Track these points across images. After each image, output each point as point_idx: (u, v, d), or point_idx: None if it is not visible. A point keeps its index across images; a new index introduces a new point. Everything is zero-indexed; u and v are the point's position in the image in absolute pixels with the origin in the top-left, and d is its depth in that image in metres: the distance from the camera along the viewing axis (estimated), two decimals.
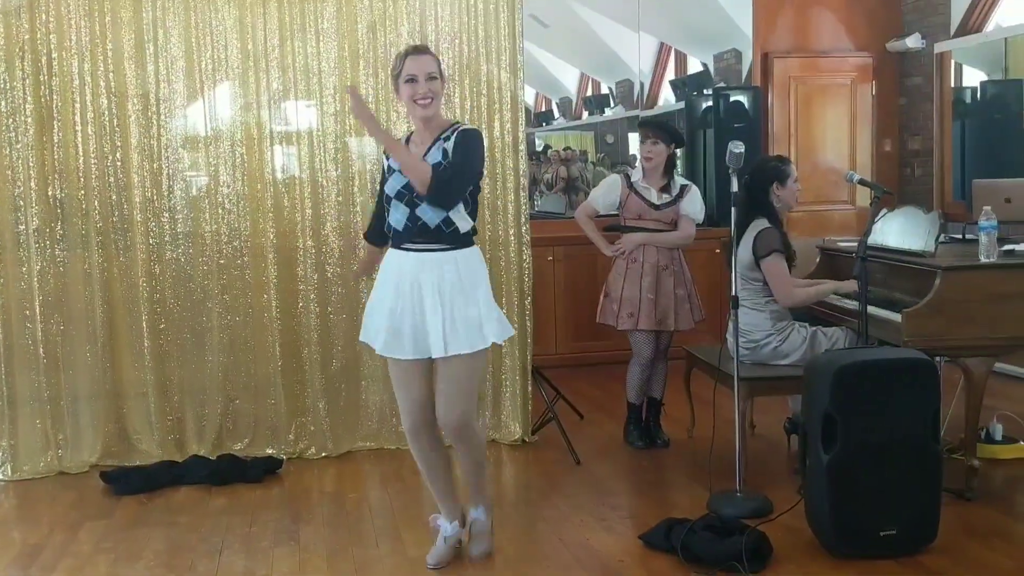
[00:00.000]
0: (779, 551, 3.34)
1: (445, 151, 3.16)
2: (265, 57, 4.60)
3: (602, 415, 5.32)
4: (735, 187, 3.80)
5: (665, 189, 4.62)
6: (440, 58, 4.60)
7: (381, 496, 4.18)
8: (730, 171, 3.79)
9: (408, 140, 3.30)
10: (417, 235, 3.16)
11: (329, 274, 4.74)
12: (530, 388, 4.85)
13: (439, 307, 3.14)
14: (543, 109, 11.84)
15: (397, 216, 3.19)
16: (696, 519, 3.45)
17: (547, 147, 9.59)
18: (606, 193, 4.74)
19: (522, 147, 4.82)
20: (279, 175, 4.72)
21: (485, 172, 3.63)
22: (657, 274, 4.56)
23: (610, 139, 9.89)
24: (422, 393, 3.27)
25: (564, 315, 6.44)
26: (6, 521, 4.00)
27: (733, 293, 3.86)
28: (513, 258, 4.81)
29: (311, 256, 4.70)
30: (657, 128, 4.68)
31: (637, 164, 4.78)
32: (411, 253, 3.19)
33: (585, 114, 10.54)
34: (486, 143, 4.73)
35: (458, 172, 3.15)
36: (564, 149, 9.13)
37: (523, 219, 4.82)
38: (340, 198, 4.75)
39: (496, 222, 4.81)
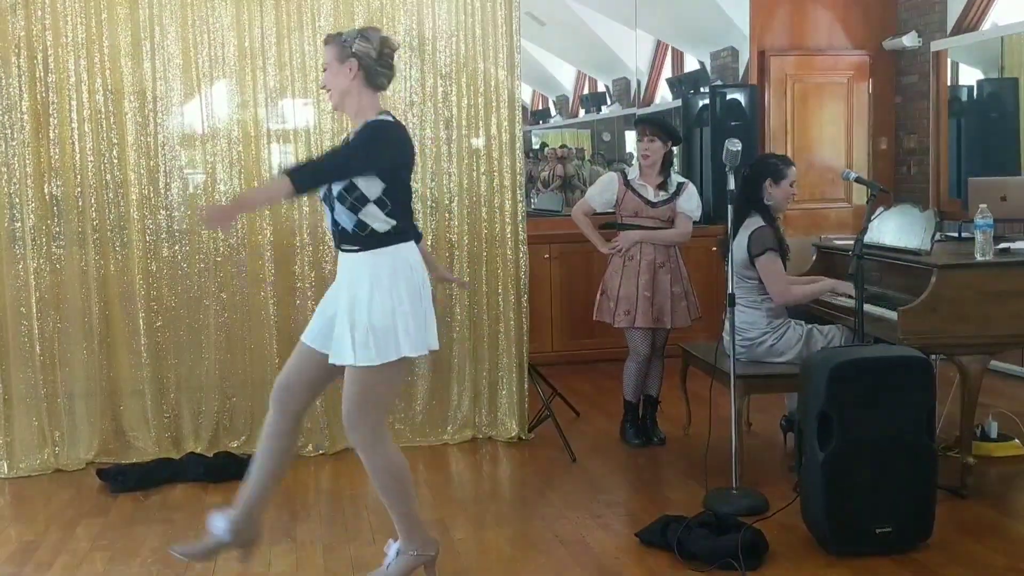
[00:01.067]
0: (775, 548, 3.35)
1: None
2: (262, 54, 4.59)
3: (598, 412, 5.32)
4: (732, 185, 3.81)
5: (662, 186, 4.63)
6: (436, 59, 4.67)
7: (377, 493, 4.17)
8: (727, 169, 3.80)
9: (346, 140, 3.13)
10: (340, 238, 3.03)
11: (326, 271, 4.73)
12: (526, 385, 4.85)
13: (346, 312, 2.97)
14: (540, 107, 11.84)
15: (327, 219, 3.08)
16: (692, 516, 3.46)
17: (543, 145, 9.60)
18: (602, 191, 4.74)
19: (519, 145, 4.83)
20: (276, 173, 4.72)
21: (413, 170, 3.26)
22: (654, 272, 4.56)
23: (607, 137, 9.90)
24: (295, 377, 3.13)
25: (560, 313, 6.45)
26: (2, 518, 4.00)
27: (729, 291, 3.87)
28: (510, 256, 4.81)
29: (308, 253, 4.70)
30: (654, 125, 4.68)
31: (634, 162, 4.82)
32: (342, 254, 3.07)
33: (582, 112, 10.55)
34: (482, 142, 4.77)
35: (331, 156, 3.10)
36: (560, 147, 9.13)
37: (520, 217, 4.82)
38: None
39: (493, 220, 4.82)
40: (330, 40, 3.07)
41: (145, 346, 4.58)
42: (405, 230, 3.04)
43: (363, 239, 2.98)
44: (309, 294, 4.70)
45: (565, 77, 11.13)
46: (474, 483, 4.45)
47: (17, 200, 4.40)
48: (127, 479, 4.25)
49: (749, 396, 4.19)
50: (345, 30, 3.13)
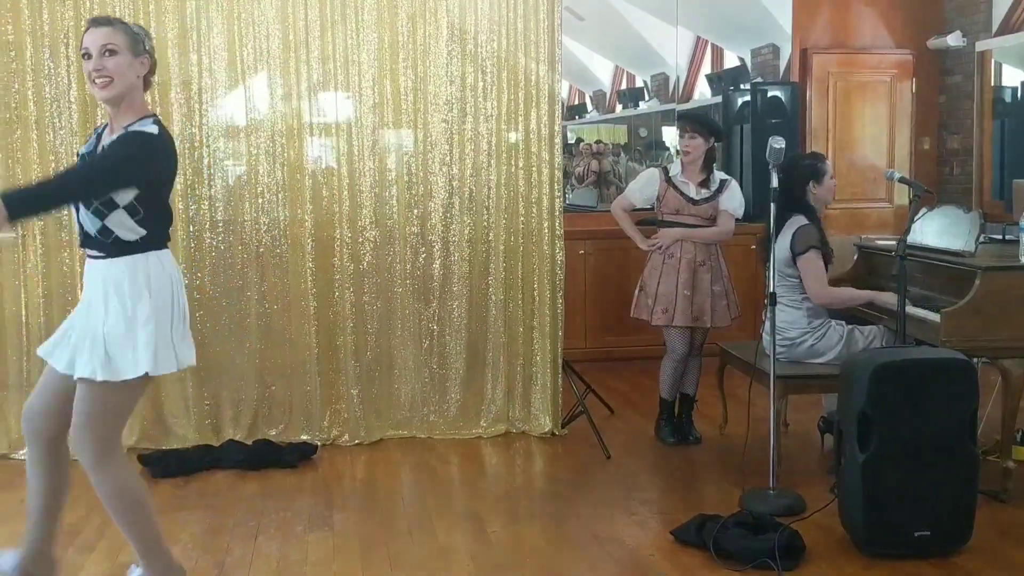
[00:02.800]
0: (812, 549, 3.33)
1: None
2: (306, 47, 4.63)
3: (632, 410, 5.32)
4: (775, 183, 3.79)
5: (704, 184, 4.58)
6: (478, 54, 4.69)
7: (413, 484, 4.22)
8: (770, 167, 3.77)
9: (96, 141, 2.88)
10: (83, 240, 2.81)
11: (364, 264, 4.78)
12: (560, 381, 4.86)
13: (84, 324, 2.77)
14: (576, 102, 11.82)
15: (75, 215, 2.83)
16: (728, 516, 3.45)
17: (579, 140, 9.58)
18: (643, 187, 4.70)
19: (557, 140, 4.83)
20: (318, 165, 4.77)
21: (176, 180, 3.02)
22: (694, 270, 4.52)
23: (643, 133, 9.86)
24: (39, 400, 2.91)
25: (594, 309, 6.44)
26: None
27: (770, 290, 3.85)
28: (546, 251, 4.82)
29: (347, 246, 4.73)
30: (696, 122, 4.64)
31: (676, 158, 4.74)
32: (87, 260, 2.84)
33: (619, 107, 10.51)
34: (521, 137, 4.77)
35: (91, 168, 2.77)
36: (596, 142, 9.11)
37: (557, 212, 4.83)
38: (376, 190, 4.78)
39: (530, 215, 4.83)
40: (116, 24, 2.78)
41: None
42: (157, 239, 2.80)
43: (107, 246, 2.74)
44: (348, 286, 4.74)
45: (603, 72, 11.10)
46: (507, 477, 4.46)
47: None
48: (168, 465, 4.31)
49: (787, 396, 4.17)
50: (125, 20, 2.94)
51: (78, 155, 2.93)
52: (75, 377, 2.74)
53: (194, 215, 4.63)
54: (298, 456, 4.46)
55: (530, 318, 4.86)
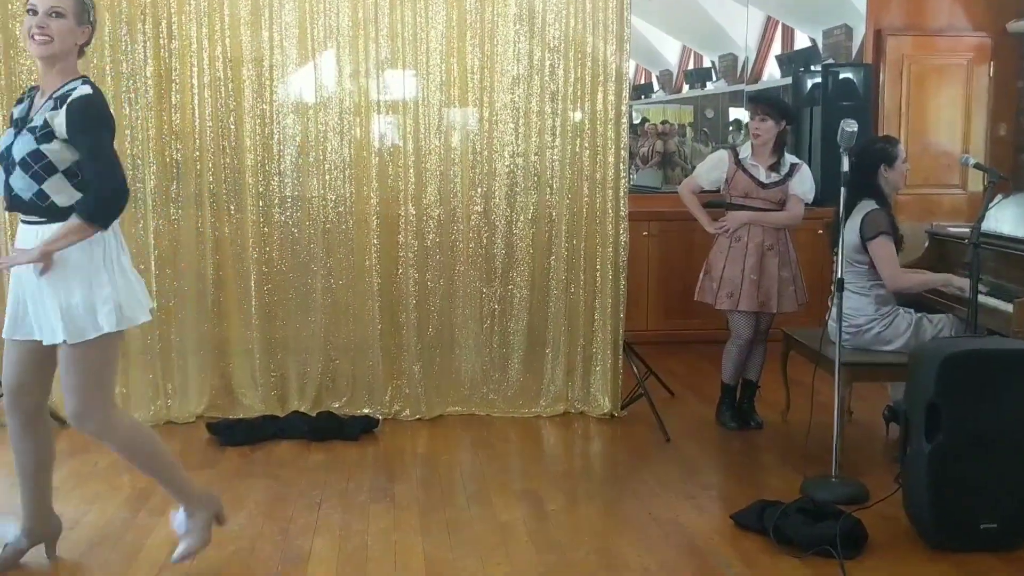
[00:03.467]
0: (874, 538, 3.30)
1: (48, 121, 2.75)
2: (375, 25, 4.66)
3: (693, 394, 5.30)
4: (846, 167, 3.72)
5: (774, 167, 4.51)
6: (545, 33, 4.67)
7: (472, 460, 4.26)
8: (841, 150, 3.70)
9: (29, 104, 2.88)
10: (12, 204, 2.82)
11: (428, 242, 4.82)
12: (621, 363, 4.86)
13: (44, 291, 2.80)
14: (642, 81, 11.70)
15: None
16: (789, 502, 3.43)
17: (644, 120, 9.49)
18: (711, 168, 4.64)
19: (624, 121, 4.80)
20: (384, 143, 4.81)
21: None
22: (761, 254, 4.45)
23: (710, 113, 9.73)
24: (17, 377, 2.98)
25: (656, 291, 6.41)
26: (116, 465, 4.17)
27: (838, 276, 3.79)
28: (610, 232, 4.80)
29: (412, 224, 4.78)
30: (767, 104, 4.56)
31: (746, 140, 4.68)
32: (23, 226, 2.85)
33: (686, 87, 10.39)
34: (588, 116, 4.75)
35: (98, 156, 2.77)
36: (662, 123, 9.01)
37: (622, 193, 4.80)
38: (441, 168, 4.81)
39: (594, 196, 4.81)
40: None
41: (255, 307, 4.74)
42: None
43: (43, 210, 2.77)
44: (411, 263, 4.79)
45: (670, 52, 10.97)
46: (566, 457, 4.48)
47: (140, 162, 4.58)
48: (235, 434, 4.42)
49: (852, 384, 4.11)
50: None
51: (11, 119, 2.90)
52: (61, 342, 2.80)
53: (263, 191, 4.71)
54: (360, 429, 4.54)
55: (592, 299, 4.86)
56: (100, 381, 2.89)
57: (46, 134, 2.77)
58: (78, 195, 2.79)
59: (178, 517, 3.10)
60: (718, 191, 4.72)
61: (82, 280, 2.79)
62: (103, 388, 2.90)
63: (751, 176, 4.50)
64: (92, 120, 2.79)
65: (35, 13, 2.75)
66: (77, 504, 3.61)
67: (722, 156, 4.65)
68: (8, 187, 2.79)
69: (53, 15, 2.74)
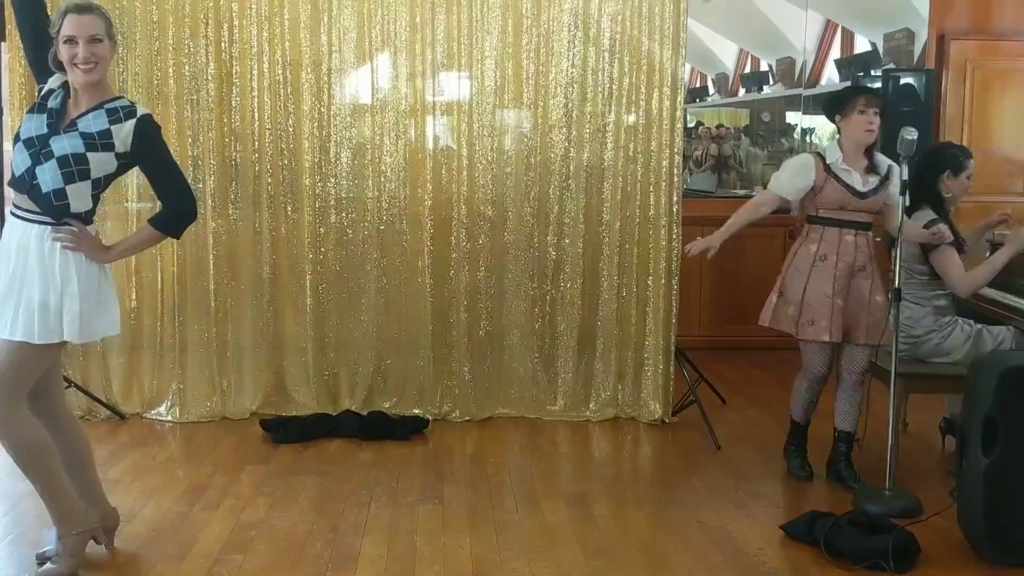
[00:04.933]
0: (927, 552, 3.24)
1: (110, 132, 2.86)
2: (432, 28, 4.71)
3: (744, 401, 5.25)
4: (905, 175, 3.65)
5: (869, 171, 3.85)
6: (601, 36, 4.66)
7: (521, 463, 4.27)
8: (901, 159, 3.64)
9: (66, 99, 2.94)
10: (19, 185, 2.87)
11: (480, 243, 4.85)
12: (672, 368, 4.83)
13: (12, 284, 2.86)
14: (698, 85, 11.62)
15: (18, 163, 2.88)
16: (841, 514, 3.38)
17: (699, 123, 9.44)
18: (796, 175, 3.93)
19: (679, 125, 4.78)
20: (438, 145, 4.85)
21: None
22: (850, 276, 3.86)
23: (766, 117, 9.64)
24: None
25: (709, 296, 6.36)
26: (173, 459, 4.30)
27: (895, 285, 3.71)
28: (663, 236, 4.78)
29: (464, 226, 4.81)
30: (880, 97, 3.93)
31: (831, 144, 4.02)
32: (14, 219, 2.90)
33: (742, 91, 10.30)
34: (642, 120, 4.75)
35: (173, 175, 3.00)
36: (717, 126, 8.96)
37: (676, 198, 4.78)
38: (494, 170, 4.84)
39: (647, 199, 4.80)
40: (96, 12, 2.91)
41: (309, 306, 4.81)
42: (92, 214, 2.96)
43: (52, 208, 2.84)
44: (463, 265, 4.82)
45: (726, 55, 10.88)
46: (615, 462, 4.48)
47: (200, 163, 4.67)
48: (288, 431, 4.49)
49: (908, 395, 4.04)
50: (97, 4, 3.01)
51: (41, 106, 2.93)
52: (5, 338, 2.83)
53: (320, 192, 4.78)
54: (410, 429, 4.58)
55: (644, 304, 4.84)
56: (23, 381, 2.88)
57: (106, 144, 2.87)
58: (90, 205, 2.91)
59: (50, 535, 3.07)
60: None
61: (55, 283, 2.84)
62: (21, 388, 2.88)
63: (845, 184, 3.84)
64: (160, 140, 2.98)
65: (74, 42, 2.83)
66: (136, 497, 3.70)
67: (807, 161, 3.95)
68: (32, 173, 2.84)
69: (93, 42, 2.84)
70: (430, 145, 4.84)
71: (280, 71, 4.69)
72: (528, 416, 4.86)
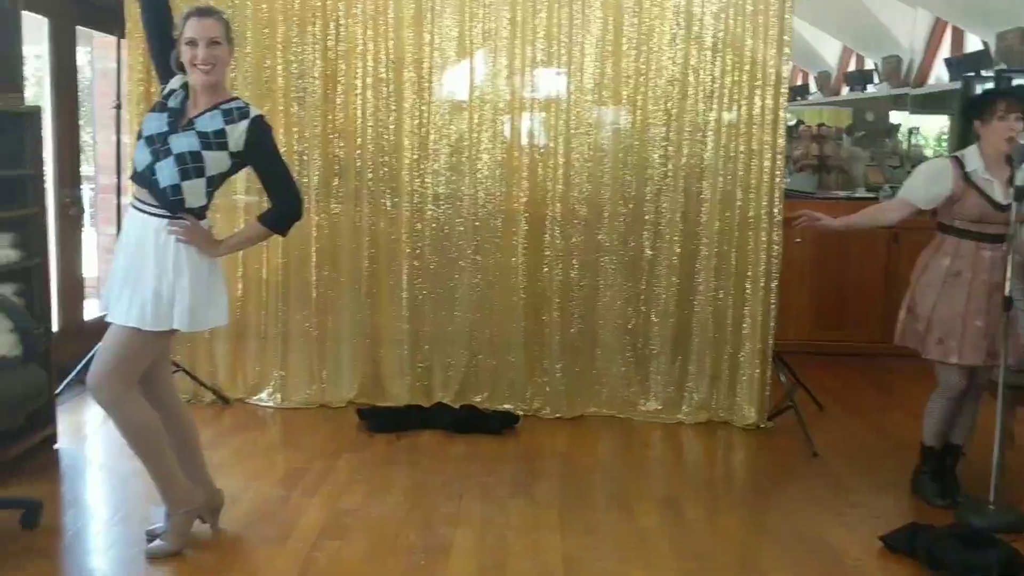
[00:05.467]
0: None
1: (225, 132, 2.98)
2: (532, 27, 4.73)
3: (843, 408, 5.13)
4: (1020, 180, 3.50)
5: (1011, 181, 3.53)
6: (703, 34, 4.61)
7: (611, 463, 4.27)
8: (1015, 164, 3.50)
9: (185, 99, 3.06)
10: (141, 181, 3.01)
11: (574, 240, 4.85)
12: (769, 373, 4.76)
13: (129, 272, 3.01)
14: (799, 83, 11.38)
15: (140, 158, 3.02)
16: (944, 526, 3.29)
17: (799, 122, 9.24)
18: (931, 182, 3.70)
19: (781, 125, 4.69)
20: (535, 143, 4.87)
21: None
22: (989, 293, 3.60)
23: (870, 117, 9.39)
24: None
25: (808, 300, 6.21)
26: (273, 445, 4.43)
27: (1005, 293, 3.57)
28: (762, 238, 4.71)
29: (558, 223, 4.82)
30: (1022, 100, 3.62)
31: (970, 150, 3.69)
32: (133, 211, 3.06)
33: (845, 89, 10.07)
34: (743, 118, 4.68)
35: (283, 175, 3.10)
36: (819, 125, 8.75)
37: (777, 198, 4.70)
38: (590, 168, 4.83)
39: (747, 200, 4.73)
40: (216, 16, 3.04)
41: (405, 300, 4.89)
42: (205, 209, 3.08)
43: (169, 203, 2.98)
44: (557, 263, 4.83)
45: (829, 52, 10.65)
46: (708, 466, 4.43)
47: (305, 159, 4.80)
48: (383, 421, 4.58)
49: (1016, 408, 3.89)
50: (218, 8, 3.14)
51: (162, 105, 3.06)
52: (120, 323, 2.99)
53: (418, 188, 4.85)
54: (501, 424, 4.61)
55: (740, 306, 4.77)
56: (133, 366, 3.03)
57: (220, 144, 2.99)
58: (204, 201, 3.03)
59: (158, 514, 3.23)
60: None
61: (167, 274, 2.98)
62: (131, 373, 3.03)
63: (985, 195, 3.59)
64: (271, 141, 3.10)
65: (195, 44, 2.96)
66: (238, 480, 3.82)
67: (943, 167, 3.71)
68: (152, 168, 2.98)
69: (212, 44, 2.97)
70: (526, 142, 4.86)
71: (383, 69, 4.78)
72: (619, 416, 4.85)
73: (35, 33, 4.77)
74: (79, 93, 5.32)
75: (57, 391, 4.31)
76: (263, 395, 4.92)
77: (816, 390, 5.10)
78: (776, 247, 4.71)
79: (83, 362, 4.72)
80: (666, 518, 3.61)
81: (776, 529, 3.56)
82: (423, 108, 4.81)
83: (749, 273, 4.75)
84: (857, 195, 7.00)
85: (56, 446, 4.13)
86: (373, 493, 3.77)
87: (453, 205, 4.89)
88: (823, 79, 10.95)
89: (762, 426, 4.73)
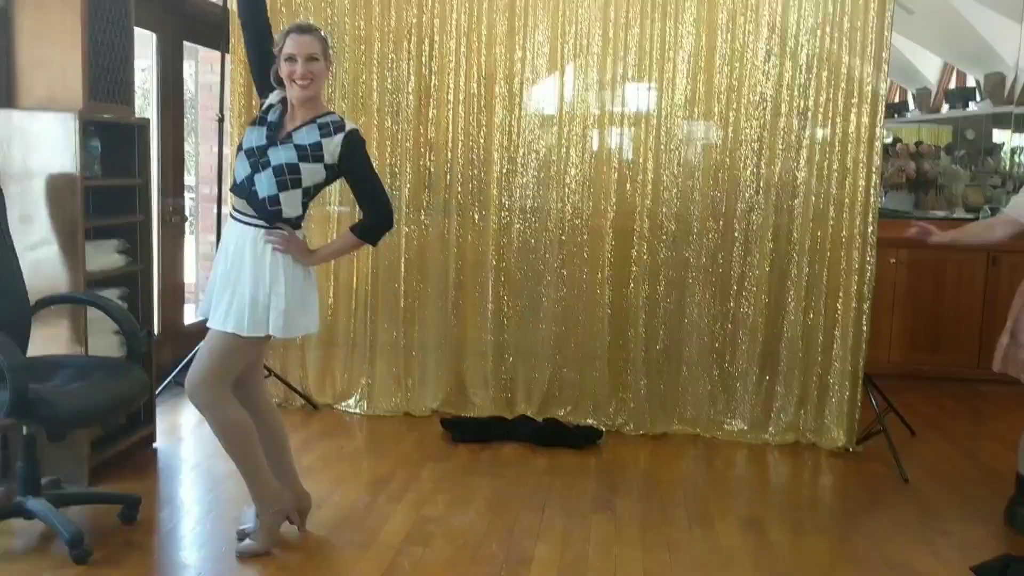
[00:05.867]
0: None
1: (321, 145, 3.08)
2: (624, 42, 4.74)
3: (936, 434, 4.98)
4: None
5: None
6: (798, 51, 4.55)
7: (695, 481, 4.23)
8: None
9: (283, 113, 3.16)
10: (240, 192, 3.11)
11: (661, 257, 4.83)
12: (859, 396, 4.65)
13: (227, 279, 3.12)
14: (896, 100, 11.11)
15: (240, 171, 3.13)
16: None
17: (896, 140, 9.02)
18: None
19: (878, 143, 4.60)
20: (623, 157, 4.87)
21: None
22: None
23: (971, 135, 9.10)
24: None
25: (902, 322, 6.05)
26: (360, 451, 4.52)
27: None
28: (855, 258, 4.61)
29: (646, 239, 4.81)
30: None
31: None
32: (233, 221, 3.17)
33: (945, 107, 9.78)
34: (838, 136, 4.60)
35: (376, 187, 3.18)
36: (916, 143, 8.52)
37: (871, 218, 4.60)
38: (679, 183, 4.81)
39: (840, 219, 4.64)
40: (315, 33, 3.12)
41: (490, 311, 4.94)
42: (301, 219, 3.18)
43: (267, 213, 3.08)
44: (643, 279, 4.82)
45: (929, 69, 10.37)
46: (794, 488, 4.35)
47: (397, 171, 4.90)
48: (466, 431, 4.63)
49: None
50: (317, 25, 3.24)
51: (261, 119, 3.17)
52: (219, 328, 3.11)
53: (506, 202, 4.90)
54: (584, 438, 4.61)
55: (831, 326, 4.68)
56: (230, 370, 3.15)
57: (317, 156, 3.09)
58: (300, 211, 3.14)
59: (249, 513, 3.33)
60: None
61: (264, 281, 3.09)
62: (227, 377, 3.15)
63: None
64: (365, 154, 3.18)
65: (294, 60, 3.07)
66: (326, 484, 3.92)
67: None
68: (251, 180, 3.09)
69: (310, 60, 3.07)
70: (615, 157, 4.87)
71: (475, 84, 4.85)
72: (704, 435, 4.80)
73: (144, 48, 4.99)
74: (183, 105, 5.54)
75: (156, 392, 4.47)
76: (350, 402, 5.03)
77: (908, 414, 4.96)
78: (869, 267, 4.61)
79: (181, 365, 4.91)
80: (749, 538, 3.57)
81: (863, 555, 3.47)
82: (513, 122, 4.86)
83: (841, 293, 4.65)
84: (956, 215, 6.80)
85: (154, 445, 4.29)
86: (456, 502, 3.81)
87: (540, 219, 4.92)
88: (922, 96, 10.67)
89: (851, 450, 4.63)
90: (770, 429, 4.77)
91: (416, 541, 3.41)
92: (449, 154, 4.89)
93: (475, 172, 4.91)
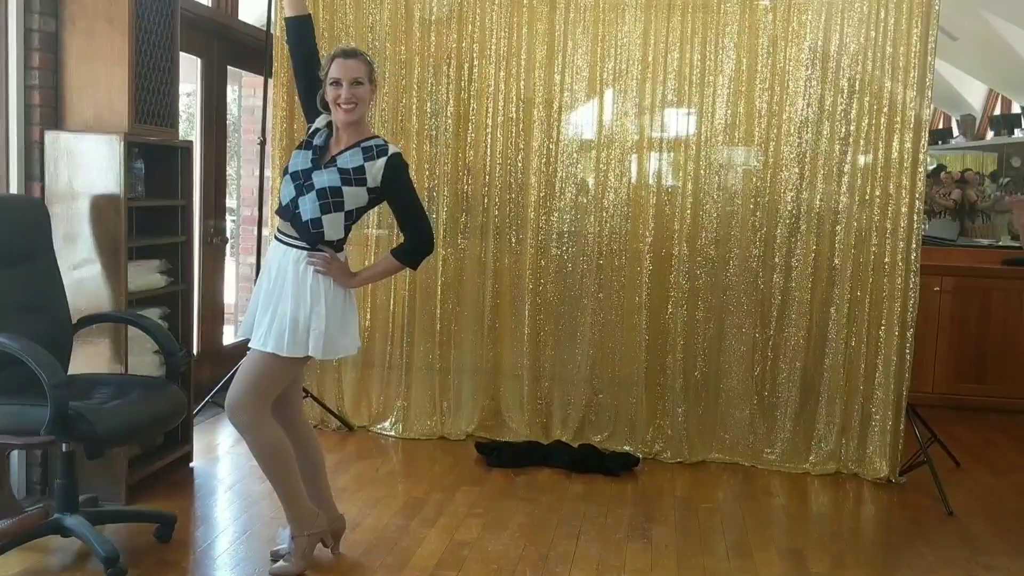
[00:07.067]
0: None
1: (364, 169, 3.10)
2: (664, 68, 4.73)
3: (981, 466, 4.86)
4: None
5: None
6: (839, 76, 4.51)
7: (733, 510, 4.16)
8: None
9: (329, 137, 3.19)
10: (285, 214, 3.14)
11: (700, 282, 4.79)
12: (902, 426, 4.55)
13: (268, 299, 3.14)
14: (940, 126, 10.99)
15: (285, 194, 3.17)
16: None
17: (940, 167, 8.90)
18: None
19: (921, 169, 4.53)
20: (662, 182, 4.85)
21: None
22: None
23: (1016, 163, 8.96)
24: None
25: (946, 351, 5.93)
26: (394, 474, 4.51)
27: None
28: (898, 285, 4.53)
29: (684, 264, 4.77)
30: None
31: None
32: (276, 242, 3.21)
33: (990, 134, 9.65)
34: (881, 162, 4.54)
35: (418, 211, 3.20)
36: (963, 171, 8.40)
37: (914, 245, 4.52)
38: (719, 208, 4.78)
39: (883, 245, 4.57)
40: (360, 57, 3.15)
41: (527, 335, 4.92)
42: (343, 243, 3.21)
43: (309, 235, 3.10)
44: (682, 304, 4.77)
45: (974, 95, 10.24)
46: (835, 518, 4.26)
47: (435, 194, 4.92)
48: (502, 456, 4.60)
49: None
50: (363, 50, 3.27)
51: (307, 143, 3.20)
52: (259, 348, 3.12)
53: (543, 225, 4.90)
54: (620, 465, 4.56)
55: (874, 355, 4.60)
56: (269, 389, 3.16)
57: (360, 179, 3.11)
58: (342, 235, 3.16)
59: (283, 535, 3.33)
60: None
61: (305, 302, 3.11)
62: (267, 396, 3.17)
63: None
64: (407, 178, 3.20)
65: (339, 84, 3.10)
66: (360, 506, 3.91)
67: None
68: (295, 202, 3.12)
69: (355, 84, 3.10)
70: (653, 182, 4.85)
71: (514, 109, 4.87)
72: (743, 464, 4.73)
73: (189, 72, 5.07)
74: (227, 129, 5.62)
75: (194, 412, 4.50)
76: (386, 424, 5.03)
77: (952, 445, 4.85)
78: (912, 294, 4.53)
79: (219, 385, 4.94)
80: (789, 570, 3.49)
81: None
82: (551, 147, 4.87)
83: (883, 320, 4.57)
84: (1000, 243, 6.67)
85: (191, 464, 4.31)
86: (489, 527, 3.78)
87: (577, 243, 4.91)
88: (967, 123, 10.53)
89: (893, 480, 4.53)
90: (811, 458, 4.69)
91: (449, 566, 3.38)
92: (487, 178, 4.91)
93: (513, 196, 4.92)
